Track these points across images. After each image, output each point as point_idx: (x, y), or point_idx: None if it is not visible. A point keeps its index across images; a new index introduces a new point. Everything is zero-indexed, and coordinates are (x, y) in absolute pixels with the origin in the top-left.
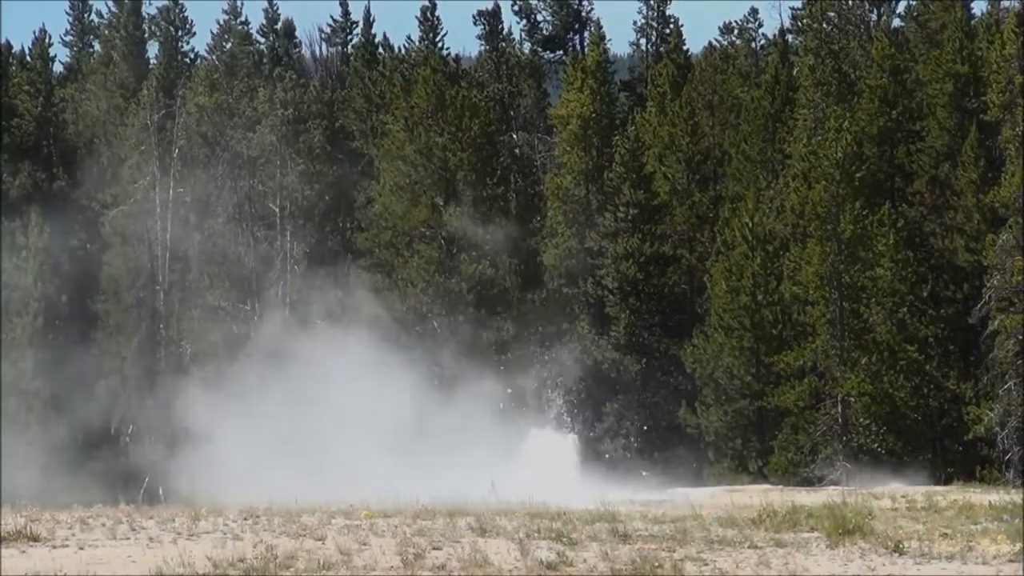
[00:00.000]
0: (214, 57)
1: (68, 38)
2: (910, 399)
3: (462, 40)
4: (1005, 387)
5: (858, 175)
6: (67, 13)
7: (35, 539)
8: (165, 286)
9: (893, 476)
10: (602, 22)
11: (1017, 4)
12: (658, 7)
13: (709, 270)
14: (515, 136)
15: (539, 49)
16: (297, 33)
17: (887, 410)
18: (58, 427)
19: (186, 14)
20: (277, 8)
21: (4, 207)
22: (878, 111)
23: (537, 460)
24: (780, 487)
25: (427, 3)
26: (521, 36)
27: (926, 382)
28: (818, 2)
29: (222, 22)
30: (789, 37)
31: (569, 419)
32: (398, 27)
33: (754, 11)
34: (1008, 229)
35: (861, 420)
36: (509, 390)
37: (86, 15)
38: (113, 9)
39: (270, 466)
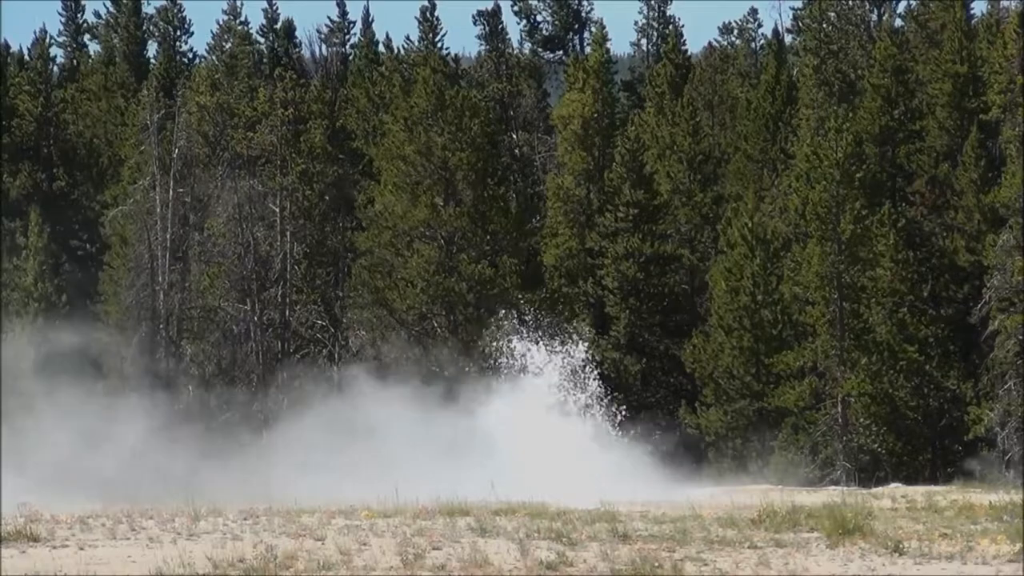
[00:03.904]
0: (214, 57)
1: (62, 39)
2: (910, 399)
3: (462, 40)
4: (1005, 387)
5: (858, 175)
6: (60, 14)
7: (35, 539)
8: (165, 286)
9: (893, 476)
10: (603, 22)
11: (1017, 4)
12: (658, 7)
13: (709, 270)
14: (515, 136)
15: (539, 49)
16: (297, 33)
17: (887, 410)
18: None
19: (184, 14)
20: (277, 8)
21: (4, 207)
22: (879, 111)
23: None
24: (780, 487)
25: (427, 3)
26: (521, 36)
27: (926, 382)
28: (818, 2)
29: (222, 22)
30: (789, 37)
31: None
32: (398, 27)
33: (754, 11)
34: (1008, 229)
35: (861, 420)
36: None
37: (79, 16)
38: (112, 9)
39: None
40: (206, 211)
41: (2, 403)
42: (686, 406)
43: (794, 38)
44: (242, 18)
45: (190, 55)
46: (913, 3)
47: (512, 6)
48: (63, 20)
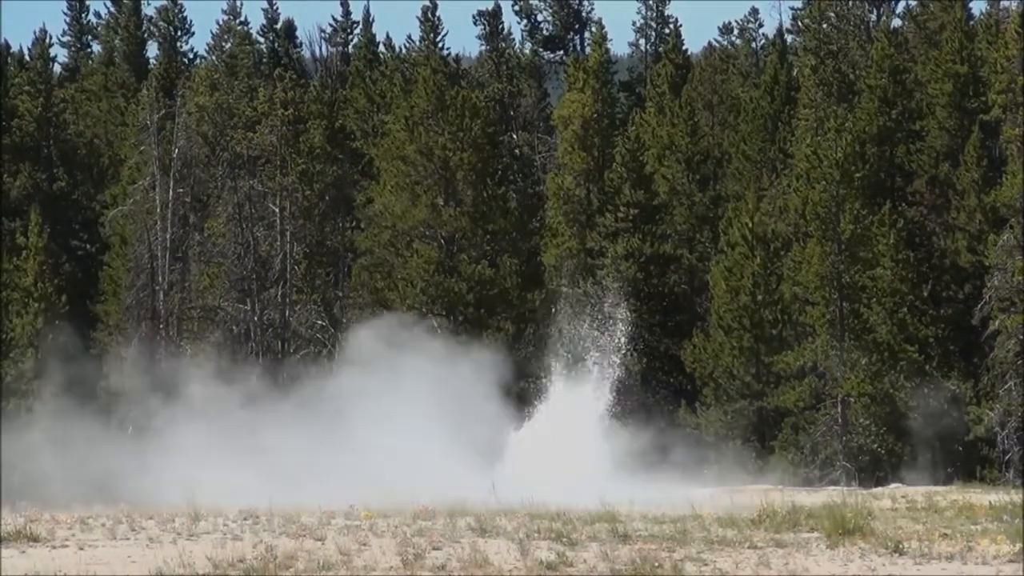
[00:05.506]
0: (214, 57)
1: (66, 39)
2: (910, 399)
3: (462, 40)
4: (1005, 387)
5: (858, 175)
6: (64, 14)
7: (35, 539)
8: (165, 286)
9: (893, 476)
10: (603, 22)
11: (1017, 4)
12: (657, 7)
13: (709, 270)
14: (515, 136)
15: (539, 49)
16: (297, 33)
17: (887, 410)
18: (57, 427)
19: (185, 14)
20: (277, 8)
21: (4, 207)
22: (878, 111)
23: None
24: (780, 487)
25: (428, 3)
26: (522, 36)
27: (926, 382)
28: (818, 2)
29: (222, 22)
30: (789, 37)
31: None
32: (399, 27)
33: (754, 11)
34: (1009, 229)
35: (861, 420)
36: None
37: (83, 16)
38: (112, 9)
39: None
40: (206, 211)
41: (2, 403)
42: (686, 406)
43: (794, 38)
44: (242, 18)
45: (190, 55)
46: (912, 3)
47: (512, 6)
48: (67, 20)
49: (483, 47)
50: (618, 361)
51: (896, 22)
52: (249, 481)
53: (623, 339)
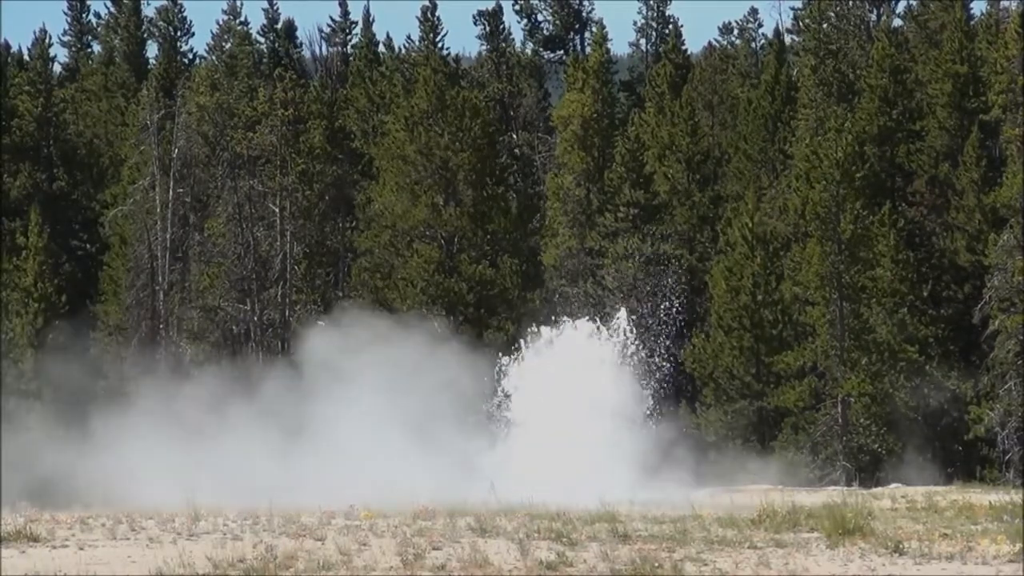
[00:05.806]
0: (214, 57)
1: (66, 38)
2: (910, 399)
3: (462, 40)
4: (1005, 387)
5: (858, 175)
6: (65, 14)
7: (35, 539)
8: (165, 286)
9: (893, 476)
10: (603, 22)
11: (1017, 4)
12: (657, 7)
13: (709, 270)
14: (515, 136)
15: (540, 49)
16: (297, 33)
17: (887, 410)
18: (58, 427)
19: (185, 14)
20: (277, 8)
21: (4, 207)
22: (878, 111)
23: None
24: (780, 487)
25: (427, 3)
26: (522, 36)
27: (926, 382)
28: (818, 2)
29: (222, 22)
30: (790, 37)
31: None
32: (399, 27)
33: (754, 11)
34: (1009, 229)
35: (861, 420)
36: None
37: (84, 15)
38: (112, 9)
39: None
40: (206, 211)
41: (2, 403)
42: (686, 406)
43: (794, 38)
44: (242, 18)
45: (190, 55)
46: (912, 3)
47: (513, 6)
48: (68, 20)
49: (483, 47)
50: (675, 313)
51: (896, 22)
52: (245, 482)
53: (676, 303)
